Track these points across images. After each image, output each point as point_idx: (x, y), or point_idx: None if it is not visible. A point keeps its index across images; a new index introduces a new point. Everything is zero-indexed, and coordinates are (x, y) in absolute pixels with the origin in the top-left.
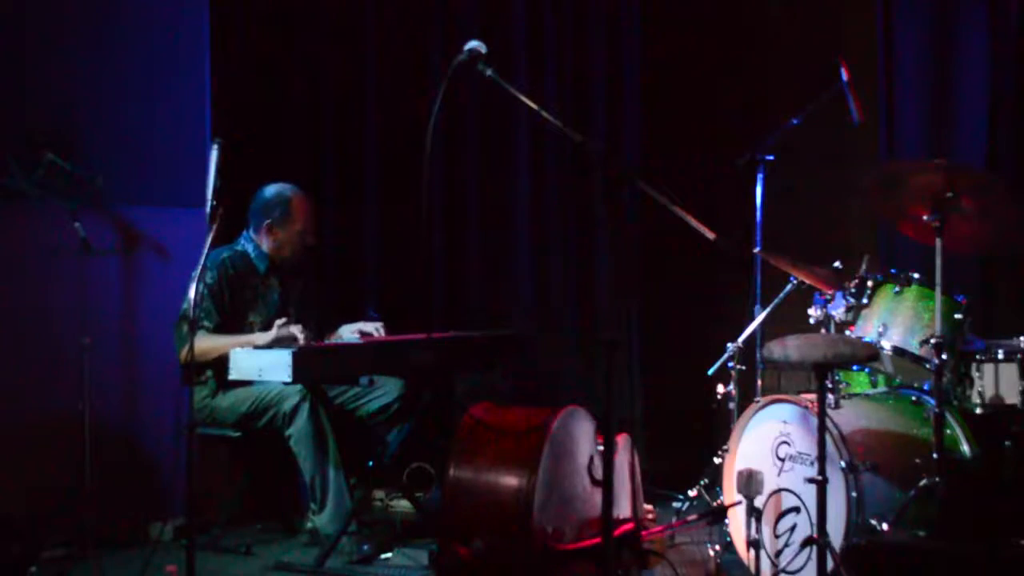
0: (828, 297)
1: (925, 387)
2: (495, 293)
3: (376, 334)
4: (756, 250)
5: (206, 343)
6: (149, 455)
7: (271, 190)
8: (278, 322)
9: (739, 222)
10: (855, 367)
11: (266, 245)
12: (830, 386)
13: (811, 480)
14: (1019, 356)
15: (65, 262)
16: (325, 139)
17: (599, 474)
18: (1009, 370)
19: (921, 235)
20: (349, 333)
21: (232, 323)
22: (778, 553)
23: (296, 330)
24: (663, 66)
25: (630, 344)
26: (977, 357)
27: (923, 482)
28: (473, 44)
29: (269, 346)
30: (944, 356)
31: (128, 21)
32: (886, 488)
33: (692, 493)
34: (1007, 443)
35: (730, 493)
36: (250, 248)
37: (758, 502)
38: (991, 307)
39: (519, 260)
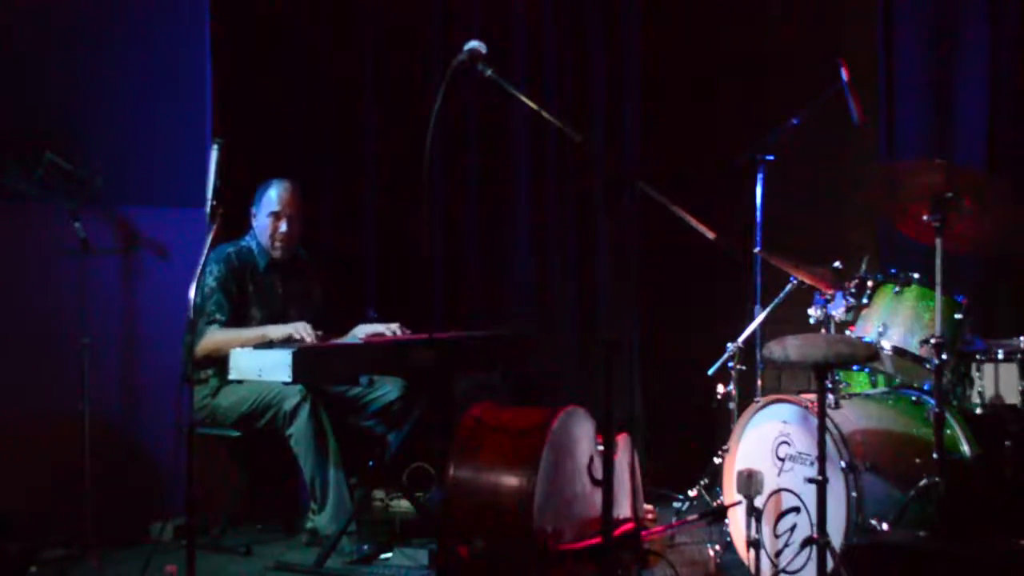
0: (828, 297)
1: (925, 387)
2: (495, 293)
3: (392, 335)
4: (756, 250)
5: (223, 337)
6: (149, 455)
7: (263, 183)
8: (297, 325)
9: (739, 222)
10: (855, 367)
11: (258, 235)
12: (830, 386)
13: (811, 480)
14: (1019, 356)
15: (65, 262)
16: (325, 139)
17: (599, 474)
18: (1009, 370)
19: (921, 235)
20: (363, 334)
21: (236, 316)
22: (778, 553)
23: (305, 331)
24: (663, 66)
25: (630, 344)
26: (977, 357)
27: (923, 482)
28: (473, 44)
29: (277, 342)
30: (944, 356)
31: (129, 21)
32: (886, 488)
33: (692, 493)
34: (1007, 443)
35: (730, 493)
36: (253, 244)
37: (758, 502)
38: (991, 307)
39: (519, 260)
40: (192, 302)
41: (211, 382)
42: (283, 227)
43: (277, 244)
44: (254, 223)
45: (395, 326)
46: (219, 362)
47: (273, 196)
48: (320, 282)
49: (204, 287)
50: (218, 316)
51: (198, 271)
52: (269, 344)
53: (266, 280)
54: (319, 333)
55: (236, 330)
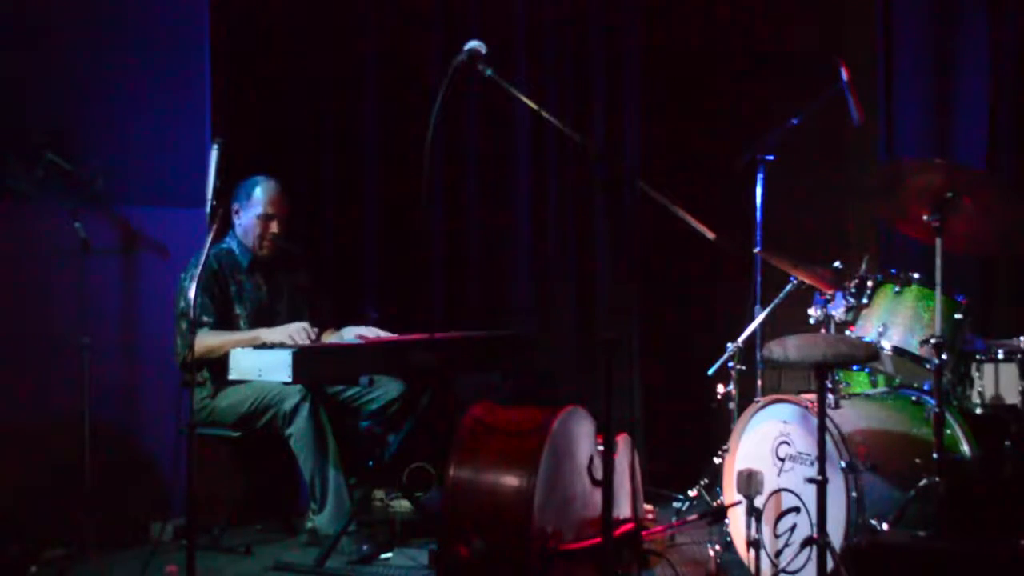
0: (828, 297)
1: (925, 387)
2: (495, 293)
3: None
4: (756, 250)
5: (212, 340)
6: (149, 455)
7: (246, 179)
8: (291, 327)
9: (739, 222)
10: (855, 367)
11: (239, 234)
12: (830, 386)
13: (811, 480)
14: (1019, 356)
15: (65, 262)
16: (325, 139)
17: (599, 474)
18: (1009, 370)
19: (921, 235)
20: (351, 335)
21: (220, 318)
22: (778, 553)
23: (298, 334)
24: (663, 66)
25: (630, 344)
26: (977, 357)
27: (923, 482)
28: (473, 44)
29: (273, 344)
30: (944, 356)
31: (129, 21)
32: (886, 488)
33: (692, 493)
34: (1007, 443)
35: (730, 493)
36: (234, 245)
37: (758, 502)
38: (991, 307)
39: (519, 260)
40: (180, 305)
41: (208, 386)
42: (274, 228)
43: (266, 244)
44: (236, 220)
45: (376, 330)
46: (212, 365)
47: (262, 197)
48: (308, 269)
49: (187, 292)
50: (205, 318)
51: (193, 272)
52: (268, 344)
53: (249, 279)
54: (315, 331)
55: (228, 332)
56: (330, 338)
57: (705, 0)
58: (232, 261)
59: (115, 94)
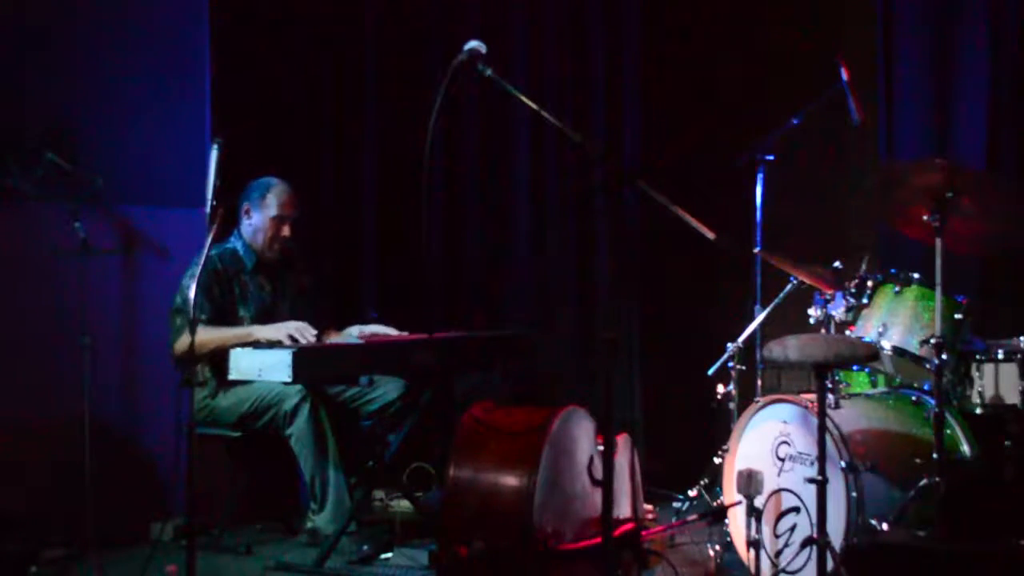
0: (828, 297)
1: (925, 387)
2: (495, 293)
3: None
4: (756, 250)
5: (207, 335)
6: (149, 455)
7: (257, 180)
8: (291, 324)
9: (739, 222)
10: (855, 367)
11: (247, 234)
12: (830, 386)
13: (811, 480)
14: (1019, 356)
15: (65, 262)
16: (325, 139)
17: (599, 474)
18: (1009, 370)
19: (921, 235)
20: (356, 336)
21: (223, 319)
22: (778, 553)
23: (298, 332)
24: (663, 66)
25: (630, 344)
26: (977, 357)
27: (923, 482)
28: (473, 44)
29: (270, 343)
30: (944, 356)
31: (129, 21)
32: (886, 488)
33: (692, 493)
34: (1007, 443)
35: (730, 493)
36: (239, 245)
37: (758, 502)
38: (991, 307)
39: (519, 260)
40: (176, 299)
41: (208, 386)
42: (286, 231)
43: (276, 247)
44: (245, 220)
45: (388, 330)
46: (214, 364)
47: (276, 200)
48: (309, 270)
49: (185, 290)
50: (201, 316)
51: (193, 271)
52: (268, 344)
53: (253, 280)
54: (314, 333)
55: (220, 328)
56: (333, 338)
57: (705, 0)
58: (236, 262)
59: (115, 94)
